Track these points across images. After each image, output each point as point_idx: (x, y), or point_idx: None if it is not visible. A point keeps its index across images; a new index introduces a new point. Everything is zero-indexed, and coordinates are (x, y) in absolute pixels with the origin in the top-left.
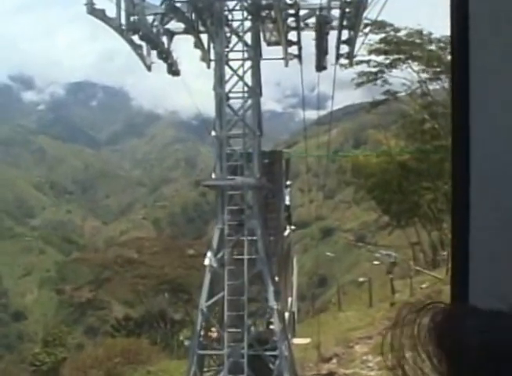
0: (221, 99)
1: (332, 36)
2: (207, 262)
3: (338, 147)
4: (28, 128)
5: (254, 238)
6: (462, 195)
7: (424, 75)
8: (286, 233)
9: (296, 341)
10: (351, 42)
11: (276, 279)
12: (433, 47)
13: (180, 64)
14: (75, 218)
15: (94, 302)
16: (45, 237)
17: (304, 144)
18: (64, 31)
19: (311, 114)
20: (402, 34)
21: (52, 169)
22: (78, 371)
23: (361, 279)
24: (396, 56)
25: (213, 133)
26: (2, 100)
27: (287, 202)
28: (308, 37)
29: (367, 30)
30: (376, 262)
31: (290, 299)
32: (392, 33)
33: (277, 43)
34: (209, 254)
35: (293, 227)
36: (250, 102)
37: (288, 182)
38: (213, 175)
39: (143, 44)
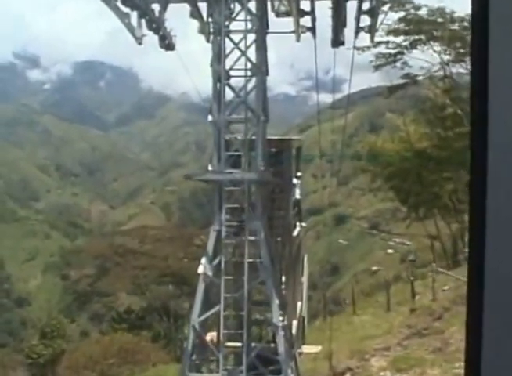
0: (220, 77)
1: (351, 4)
2: (200, 269)
3: (353, 132)
4: (33, 108)
5: (257, 242)
6: (479, 184)
7: (446, 57)
8: (296, 232)
9: (305, 349)
10: (373, 13)
11: (283, 279)
12: (456, 27)
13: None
14: (81, 201)
15: (98, 290)
16: (49, 221)
17: (318, 128)
18: (71, 7)
19: (326, 98)
20: (422, 12)
21: (57, 151)
22: (71, 371)
23: (374, 268)
24: (416, 37)
25: (209, 118)
26: (6, 79)
27: (297, 196)
28: (324, 7)
29: (386, 8)
30: (390, 251)
31: (299, 303)
32: (412, 11)
33: (287, 14)
34: (203, 260)
35: (303, 224)
36: (253, 81)
37: (299, 174)
38: (209, 167)
39: (134, 13)
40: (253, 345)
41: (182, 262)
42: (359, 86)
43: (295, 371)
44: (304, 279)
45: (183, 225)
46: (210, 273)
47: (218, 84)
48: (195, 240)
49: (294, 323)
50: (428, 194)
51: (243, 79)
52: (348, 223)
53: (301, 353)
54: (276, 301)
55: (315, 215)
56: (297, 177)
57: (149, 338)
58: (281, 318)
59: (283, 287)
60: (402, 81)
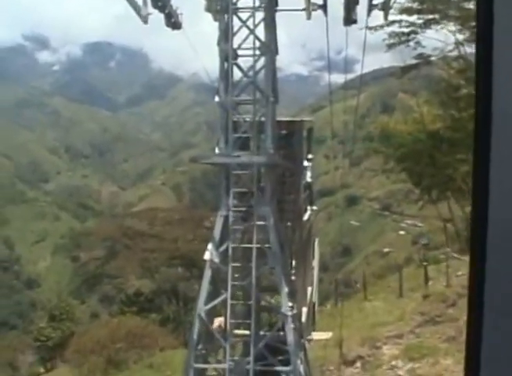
0: (227, 56)
1: None
2: (207, 256)
3: (365, 113)
4: (43, 90)
5: (266, 227)
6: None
7: (461, 36)
8: (306, 216)
9: (316, 335)
10: None
11: (294, 263)
12: (470, 5)
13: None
14: (91, 183)
15: (107, 273)
16: (59, 203)
17: (329, 108)
18: None
19: (338, 78)
20: None
21: (67, 132)
22: (79, 355)
23: (386, 249)
24: (430, 16)
25: (216, 99)
26: (16, 61)
27: (308, 179)
28: None
29: None
30: (401, 232)
31: (309, 289)
32: None
33: None
34: (210, 246)
35: (314, 208)
36: (262, 61)
37: (310, 156)
38: (216, 150)
39: None
40: (261, 333)
41: (191, 244)
42: (372, 66)
43: (304, 362)
44: (315, 263)
45: (194, 207)
46: (217, 260)
47: (226, 64)
48: (205, 222)
49: (304, 310)
50: (441, 176)
51: (251, 58)
52: (360, 204)
53: (310, 340)
54: (285, 289)
55: (327, 197)
56: (309, 159)
57: (157, 321)
58: (290, 307)
59: (292, 271)
60: (415, 62)
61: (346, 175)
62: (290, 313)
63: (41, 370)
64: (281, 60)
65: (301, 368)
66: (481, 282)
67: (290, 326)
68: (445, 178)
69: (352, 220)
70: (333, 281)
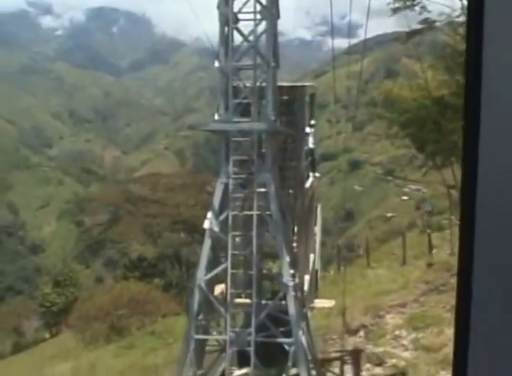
0: (228, 20)
1: None
2: (206, 224)
3: (368, 78)
4: (46, 55)
5: (267, 195)
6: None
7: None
8: (309, 183)
9: (318, 303)
10: None
11: (295, 230)
12: None
13: None
14: (94, 147)
15: (111, 238)
16: (63, 167)
17: (332, 73)
18: None
19: (341, 43)
20: None
21: (70, 97)
22: (82, 322)
23: (389, 214)
24: None
25: (216, 64)
26: (19, 26)
27: (311, 145)
28: None
29: None
30: (404, 197)
31: (312, 256)
32: None
33: None
34: (210, 214)
35: (317, 174)
36: (264, 25)
37: (312, 122)
38: (216, 117)
39: None
40: (263, 302)
41: (193, 209)
42: (375, 32)
43: (307, 332)
44: (318, 229)
45: (197, 171)
46: (216, 229)
47: (226, 28)
48: (207, 187)
49: (307, 277)
50: (446, 142)
51: (252, 23)
52: (363, 169)
53: (313, 308)
54: (287, 258)
55: (330, 161)
56: (311, 125)
57: (160, 286)
58: (292, 275)
59: (294, 238)
60: (420, 27)
61: (349, 140)
62: (291, 284)
63: (47, 335)
64: (285, 25)
65: (303, 339)
66: (470, 247)
67: (291, 296)
68: (449, 144)
69: (355, 185)
70: (336, 246)
